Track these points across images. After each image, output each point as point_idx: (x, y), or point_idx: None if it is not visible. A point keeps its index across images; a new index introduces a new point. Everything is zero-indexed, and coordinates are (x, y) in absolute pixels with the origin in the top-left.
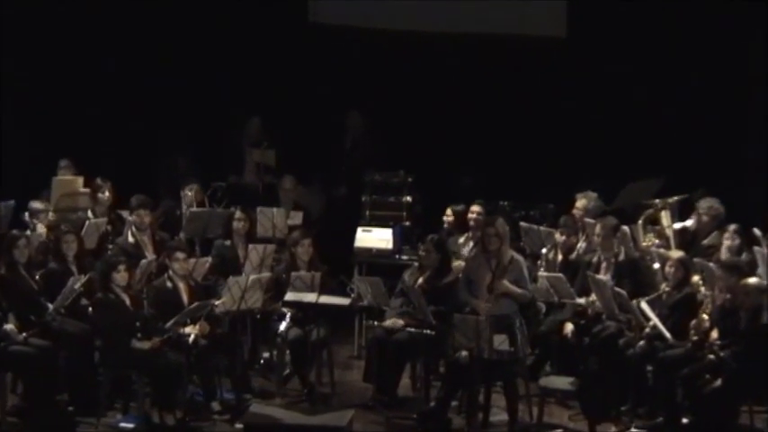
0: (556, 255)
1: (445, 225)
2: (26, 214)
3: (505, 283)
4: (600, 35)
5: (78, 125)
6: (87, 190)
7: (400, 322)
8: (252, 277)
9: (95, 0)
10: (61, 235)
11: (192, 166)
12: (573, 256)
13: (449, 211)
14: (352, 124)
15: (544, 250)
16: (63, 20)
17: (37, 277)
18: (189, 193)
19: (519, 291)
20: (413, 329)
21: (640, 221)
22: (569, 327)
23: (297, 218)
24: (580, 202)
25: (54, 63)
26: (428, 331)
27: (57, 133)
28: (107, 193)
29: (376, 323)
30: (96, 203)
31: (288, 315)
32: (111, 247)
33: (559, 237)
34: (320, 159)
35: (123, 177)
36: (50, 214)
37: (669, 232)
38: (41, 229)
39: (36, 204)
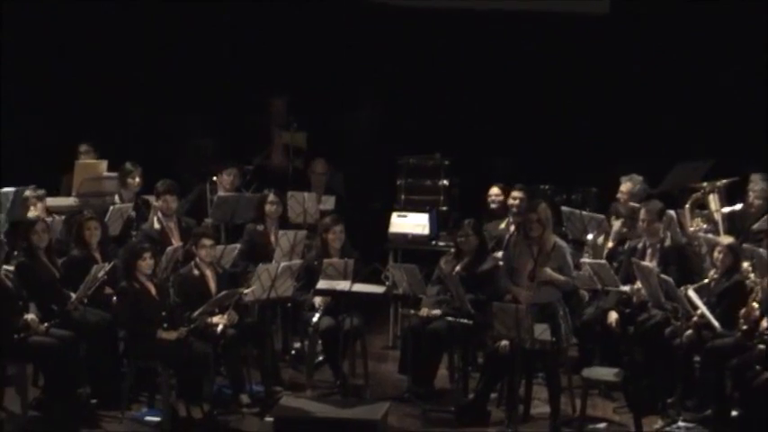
0: (606, 242)
1: (493, 206)
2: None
3: (548, 270)
4: (643, 11)
5: (100, 109)
6: (114, 174)
7: (437, 311)
8: (282, 264)
9: None
10: (84, 221)
11: (218, 149)
12: (626, 246)
13: (497, 190)
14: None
15: (590, 236)
16: (85, 2)
17: (59, 265)
18: (227, 178)
19: (562, 278)
20: (450, 318)
21: (687, 205)
22: (613, 316)
23: (329, 203)
24: (625, 186)
25: (77, 46)
26: (466, 320)
27: (77, 118)
28: (137, 179)
29: (412, 312)
30: (125, 189)
31: (320, 304)
32: (135, 233)
33: (619, 226)
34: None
35: (147, 161)
36: (69, 199)
37: (717, 217)
38: (34, 214)
39: (28, 191)
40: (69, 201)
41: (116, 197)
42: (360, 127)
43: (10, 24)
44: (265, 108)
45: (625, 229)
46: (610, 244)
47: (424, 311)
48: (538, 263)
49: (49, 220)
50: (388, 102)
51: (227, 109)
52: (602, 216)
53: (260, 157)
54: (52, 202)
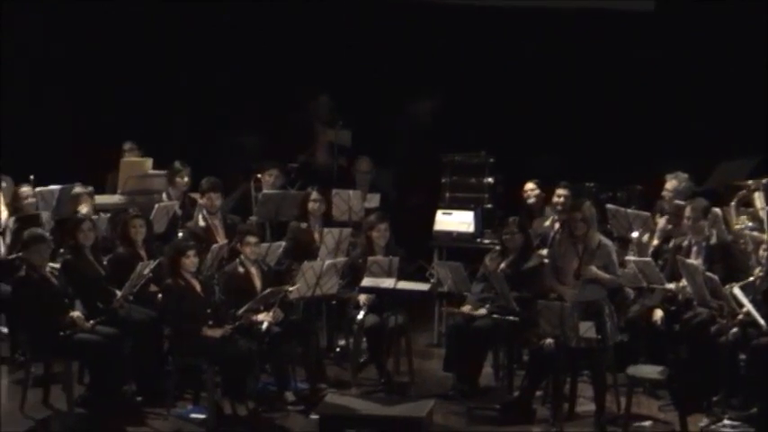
0: (651, 239)
1: (531, 201)
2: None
3: (593, 268)
4: (688, 8)
5: (144, 107)
6: (162, 172)
7: (483, 311)
8: (327, 262)
9: None
10: (129, 219)
11: (261, 147)
12: (671, 245)
13: (532, 185)
14: (421, 102)
15: (635, 234)
16: (132, 2)
17: (105, 262)
18: (268, 178)
19: (607, 276)
20: (495, 316)
21: (733, 203)
22: (659, 313)
23: (374, 200)
24: (670, 184)
25: (121, 43)
26: (511, 317)
27: (121, 116)
28: (185, 178)
29: (455, 310)
30: (173, 187)
31: (364, 301)
32: (180, 231)
33: (664, 223)
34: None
35: (191, 159)
36: (114, 197)
37: (763, 214)
38: (84, 210)
39: (77, 189)
40: (114, 198)
41: (164, 195)
42: (406, 125)
43: (54, 23)
44: (310, 106)
45: (670, 227)
46: (655, 242)
47: (466, 308)
48: (583, 261)
49: (94, 217)
50: (434, 99)
51: (272, 107)
52: (647, 214)
53: (304, 156)
54: (98, 199)
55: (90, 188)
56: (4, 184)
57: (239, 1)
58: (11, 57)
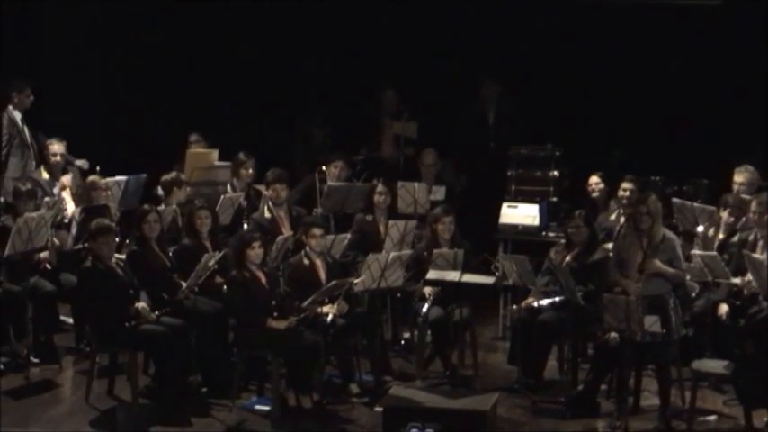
0: (716, 233)
1: (595, 194)
2: (159, 188)
3: (657, 262)
4: (756, 1)
5: (210, 98)
6: (227, 164)
7: (544, 302)
8: (392, 254)
9: None
10: (195, 210)
11: (329, 139)
12: (735, 238)
13: (597, 179)
14: (489, 94)
15: (701, 228)
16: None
17: (170, 254)
18: (334, 170)
19: (671, 270)
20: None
21: None
22: (724, 308)
23: (439, 193)
24: (739, 177)
25: (187, 35)
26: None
27: (187, 107)
28: (250, 170)
29: (514, 307)
30: (238, 179)
31: (429, 294)
32: (246, 222)
33: (727, 217)
34: (462, 132)
35: (257, 150)
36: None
37: None
38: (180, 197)
39: (171, 175)
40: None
41: (228, 187)
42: (473, 118)
43: (120, 11)
44: (376, 98)
45: (732, 219)
46: (720, 236)
47: (529, 300)
48: (647, 255)
49: (159, 208)
50: (502, 93)
51: (338, 99)
52: (713, 208)
53: (369, 148)
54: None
55: (182, 176)
56: (71, 176)
57: None
58: (78, 46)
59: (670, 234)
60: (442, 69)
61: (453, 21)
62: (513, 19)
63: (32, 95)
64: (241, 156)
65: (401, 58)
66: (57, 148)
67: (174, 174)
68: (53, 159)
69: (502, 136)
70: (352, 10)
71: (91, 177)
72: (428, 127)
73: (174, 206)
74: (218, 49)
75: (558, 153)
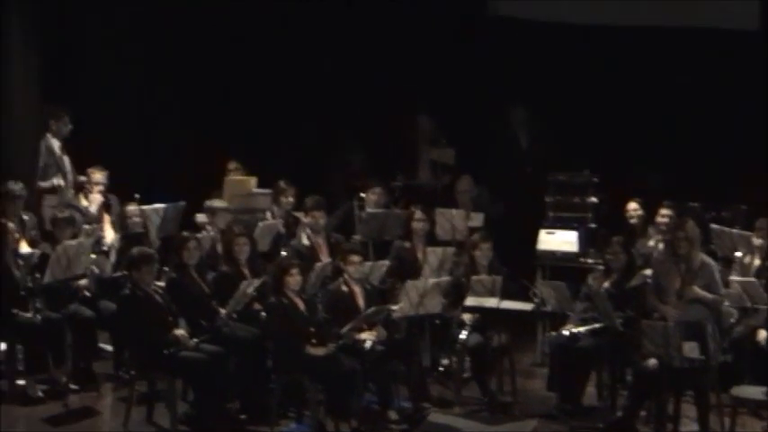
0: (753, 259)
1: (632, 221)
2: (197, 216)
3: (695, 288)
4: None
5: (247, 126)
6: (267, 191)
7: (583, 328)
8: (431, 281)
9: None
10: (233, 237)
11: (366, 165)
12: None
13: (635, 205)
14: (518, 120)
15: (738, 254)
16: (238, 22)
17: (208, 280)
18: (372, 197)
19: (710, 296)
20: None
21: None
22: (763, 333)
23: (477, 219)
24: None
25: (226, 61)
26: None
27: (226, 134)
28: (290, 198)
29: (553, 333)
30: (278, 206)
31: (468, 320)
32: (284, 249)
33: (756, 240)
34: (497, 158)
35: (296, 177)
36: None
37: None
38: (221, 224)
39: (216, 203)
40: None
41: (268, 214)
42: (511, 144)
43: (159, 46)
44: (413, 125)
45: (762, 242)
46: (756, 261)
47: (568, 327)
48: (685, 281)
49: (198, 235)
50: (538, 118)
51: (376, 125)
52: (751, 233)
53: (406, 174)
54: (199, 218)
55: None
56: (111, 203)
57: (349, 21)
58: (118, 74)
59: (708, 260)
60: (478, 95)
61: (493, 45)
62: (551, 46)
63: (71, 123)
64: (282, 183)
65: (437, 84)
66: (99, 177)
67: (217, 200)
68: (95, 188)
69: (537, 161)
70: (389, 37)
71: (128, 206)
72: (465, 153)
73: (213, 232)
74: (256, 77)
75: (595, 179)
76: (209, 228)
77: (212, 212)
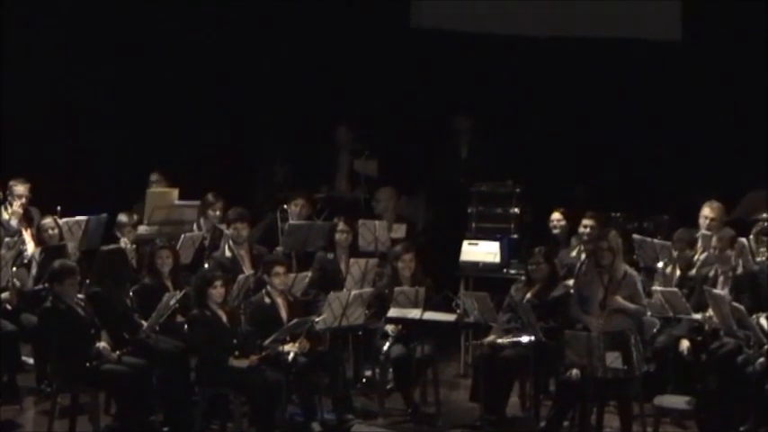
0: (674, 270)
1: (555, 231)
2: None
3: (618, 298)
4: (716, 37)
5: (168, 138)
6: (194, 203)
7: (505, 339)
8: (353, 292)
9: (185, 10)
10: (156, 250)
11: (290, 176)
12: (693, 271)
13: (558, 215)
14: (462, 129)
15: (660, 264)
16: (145, 28)
17: (131, 294)
18: (295, 209)
19: (633, 306)
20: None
21: (752, 235)
22: (686, 343)
23: (400, 230)
24: (709, 211)
25: (143, 73)
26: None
27: (147, 146)
28: (218, 212)
29: (478, 342)
30: (205, 219)
31: (391, 332)
32: (207, 261)
33: (676, 251)
34: (425, 169)
35: (219, 189)
36: (140, 228)
37: None
38: (125, 243)
39: (122, 217)
40: (141, 229)
41: (194, 226)
42: (433, 155)
43: (82, 53)
44: (333, 136)
45: (677, 253)
46: (677, 272)
47: (491, 338)
48: (608, 291)
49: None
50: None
51: (299, 136)
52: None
53: (326, 188)
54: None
55: (135, 217)
56: (32, 216)
57: (269, 26)
58: (39, 84)
59: (631, 270)
60: (402, 105)
61: (415, 55)
62: (475, 55)
63: None
64: (210, 197)
65: (359, 96)
66: (21, 189)
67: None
68: (17, 201)
69: (474, 171)
70: (313, 45)
71: (44, 219)
72: (387, 164)
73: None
74: (178, 86)
75: (518, 189)
76: (124, 241)
77: (120, 227)
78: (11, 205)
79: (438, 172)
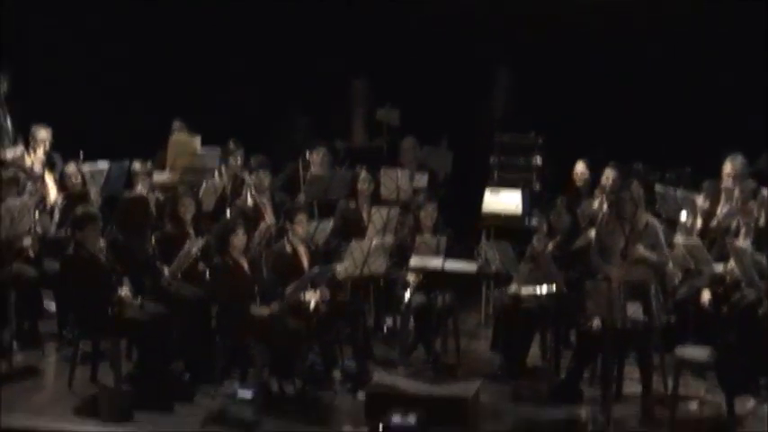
0: (695, 221)
1: (579, 183)
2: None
3: (640, 248)
4: None
5: (193, 85)
6: (215, 150)
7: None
8: (375, 241)
9: None
10: (178, 197)
11: (312, 126)
12: (713, 223)
13: (583, 167)
14: (502, 82)
15: (683, 216)
16: None
17: (152, 241)
18: (316, 158)
19: (654, 257)
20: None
21: None
22: (706, 295)
23: (422, 180)
24: (730, 164)
25: (169, 19)
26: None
27: (170, 94)
28: (239, 159)
29: (500, 291)
30: (226, 167)
31: (412, 281)
32: (229, 209)
33: (702, 202)
34: (449, 119)
35: (241, 139)
36: (162, 175)
37: None
38: (141, 191)
39: (137, 166)
40: (164, 176)
41: (215, 174)
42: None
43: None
44: (348, 88)
45: (707, 205)
46: (699, 223)
47: (513, 288)
48: (630, 241)
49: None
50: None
51: (320, 86)
52: (695, 195)
53: (341, 140)
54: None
55: (149, 165)
56: (55, 162)
57: None
58: (61, 31)
59: (652, 220)
60: (427, 55)
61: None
62: (497, 5)
63: (6, 82)
64: (231, 144)
65: (378, 47)
66: (43, 134)
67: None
68: (39, 146)
69: (506, 124)
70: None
71: (67, 165)
72: (409, 114)
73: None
74: (202, 36)
75: (540, 140)
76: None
77: (134, 175)
78: (34, 151)
79: (472, 123)
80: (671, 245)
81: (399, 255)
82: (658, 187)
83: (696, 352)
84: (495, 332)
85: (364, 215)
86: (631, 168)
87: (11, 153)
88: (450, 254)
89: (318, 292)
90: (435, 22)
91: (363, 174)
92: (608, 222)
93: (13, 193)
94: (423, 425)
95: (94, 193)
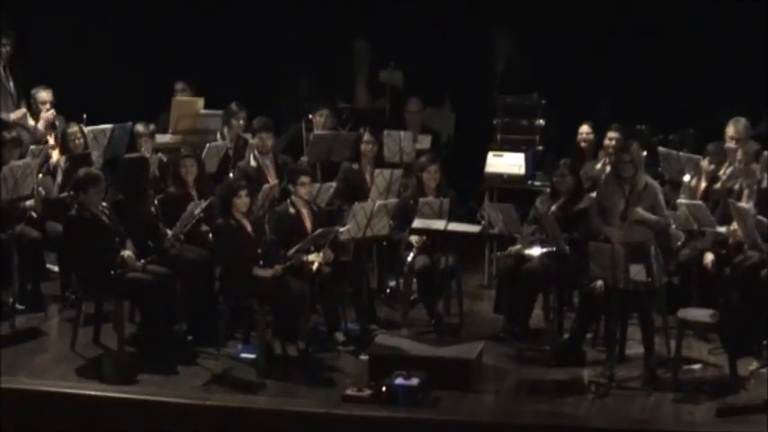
0: (699, 182)
1: (583, 144)
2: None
3: (639, 210)
4: None
5: (195, 47)
6: (218, 112)
7: (531, 250)
8: (378, 203)
9: None
10: (181, 158)
11: (314, 88)
12: (718, 184)
13: (587, 128)
14: (502, 45)
15: (686, 178)
16: None
17: (155, 202)
18: (319, 119)
19: (654, 217)
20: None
21: None
22: (709, 257)
23: (425, 142)
24: (733, 127)
25: None
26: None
27: (173, 55)
28: (241, 121)
29: (503, 252)
30: (229, 129)
31: (415, 243)
32: (232, 171)
33: (706, 165)
34: (453, 81)
35: (243, 100)
36: (164, 136)
37: None
38: (144, 153)
39: (139, 127)
40: (167, 138)
41: (218, 135)
42: (457, 66)
43: None
44: (350, 50)
45: (712, 167)
46: (703, 185)
47: (516, 247)
48: (629, 203)
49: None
50: (486, 40)
51: (323, 47)
52: (698, 157)
53: (343, 101)
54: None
55: (152, 127)
56: (57, 123)
57: None
58: None
59: (652, 181)
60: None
61: None
62: None
63: (9, 45)
64: (233, 106)
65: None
66: (44, 95)
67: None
68: (41, 107)
69: (510, 85)
70: None
71: (70, 128)
72: (413, 76)
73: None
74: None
75: (543, 102)
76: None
77: (137, 137)
78: (37, 113)
79: (472, 85)
80: (674, 207)
81: (402, 216)
82: (662, 149)
83: (699, 314)
84: (498, 293)
85: (367, 177)
86: (634, 130)
87: (14, 115)
88: (453, 215)
89: (321, 253)
90: None
91: (366, 135)
92: (607, 183)
93: (16, 154)
94: (426, 386)
95: (96, 154)
